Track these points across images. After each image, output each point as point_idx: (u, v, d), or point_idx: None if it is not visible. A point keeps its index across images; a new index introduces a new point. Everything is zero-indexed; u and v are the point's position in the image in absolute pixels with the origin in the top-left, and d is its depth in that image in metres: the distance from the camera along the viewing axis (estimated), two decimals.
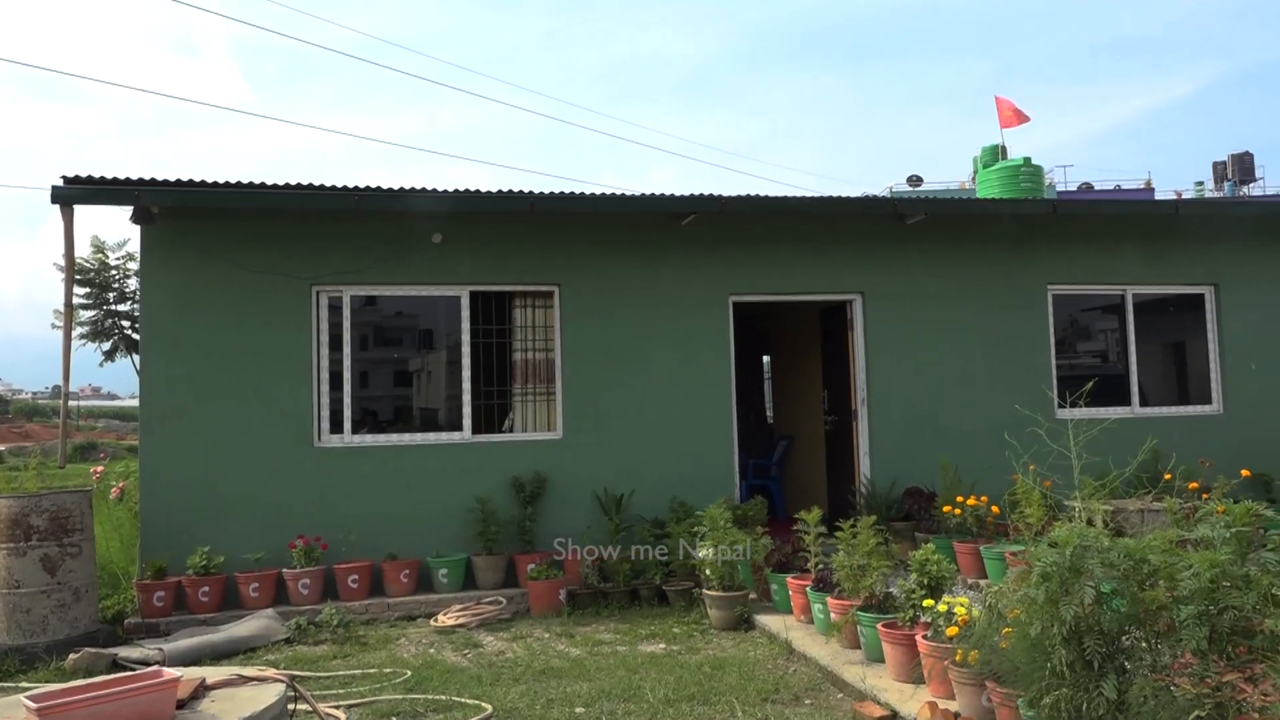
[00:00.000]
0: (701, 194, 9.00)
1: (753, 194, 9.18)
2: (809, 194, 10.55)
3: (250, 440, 8.29)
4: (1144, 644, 3.33)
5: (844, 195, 10.41)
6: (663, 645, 6.75)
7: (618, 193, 9.54)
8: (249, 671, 4.00)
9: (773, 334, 13.71)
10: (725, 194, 8.95)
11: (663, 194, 9.07)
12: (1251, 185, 40.31)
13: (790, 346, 12.68)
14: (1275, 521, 3.33)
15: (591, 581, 8.13)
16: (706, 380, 9.19)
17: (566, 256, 9.04)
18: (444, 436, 8.80)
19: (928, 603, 5.20)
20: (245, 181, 8.45)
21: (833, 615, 6.15)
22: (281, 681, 3.85)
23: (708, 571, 7.31)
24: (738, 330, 9.57)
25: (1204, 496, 7.37)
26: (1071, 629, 3.24)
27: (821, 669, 5.80)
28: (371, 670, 6.23)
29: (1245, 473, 8.36)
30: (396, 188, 8.59)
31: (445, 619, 7.59)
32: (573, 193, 8.99)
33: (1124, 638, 3.32)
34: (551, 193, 8.89)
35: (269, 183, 8.45)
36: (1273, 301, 10.48)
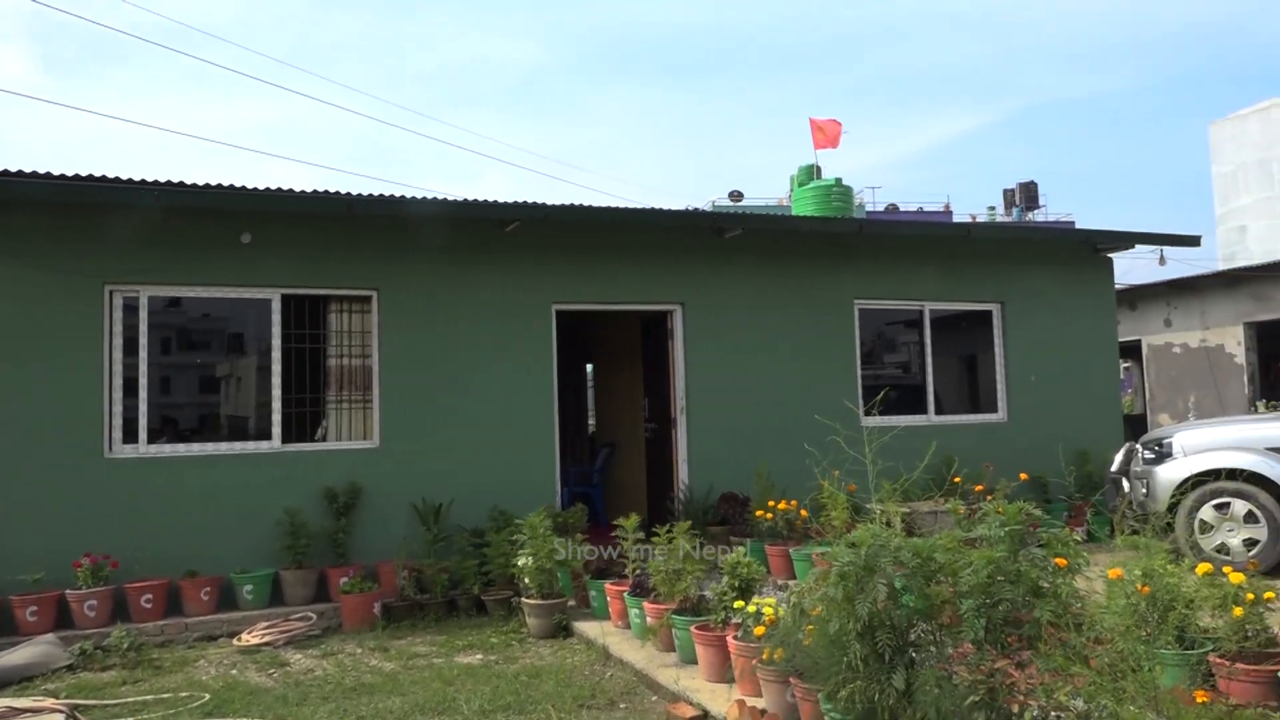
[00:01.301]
0: (525, 201, 8.99)
1: (577, 203, 9.26)
2: (633, 205, 10.73)
3: (32, 450, 7.64)
4: (931, 636, 3.56)
5: (665, 208, 10.65)
6: (480, 656, 6.67)
7: (442, 197, 9.39)
8: (22, 702, 3.68)
9: (596, 342, 13.84)
10: (550, 202, 8.98)
11: (485, 200, 9.00)
12: (1036, 212, 43.90)
13: (613, 355, 12.83)
14: (1045, 520, 3.63)
15: (408, 593, 7.95)
16: (529, 388, 9.17)
17: (386, 261, 8.81)
18: (251, 446, 8.38)
19: (738, 604, 5.37)
20: (29, 170, 7.80)
21: (649, 619, 6.25)
22: (60, 712, 3.57)
23: (527, 580, 7.29)
24: (561, 338, 9.60)
25: (988, 498, 7.96)
26: (866, 625, 3.43)
27: (637, 673, 5.88)
28: (166, 695, 5.85)
29: (1023, 476, 9.08)
30: (201, 184, 8.14)
31: (249, 638, 7.23)
32: (393, 195, 8.79)
33: (913, 631, 3.55)
34: (371, 194, 8.65)
35: (56, 173, 7.83)
36: (1050, 319, 11.44)
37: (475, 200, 9.04)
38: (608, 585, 7.16)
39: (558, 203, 9.06)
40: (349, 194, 8.45)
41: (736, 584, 5.62)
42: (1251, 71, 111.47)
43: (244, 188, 8.20)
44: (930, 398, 10.96)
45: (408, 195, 9.05)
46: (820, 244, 10.53)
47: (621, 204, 11.32)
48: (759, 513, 8.77)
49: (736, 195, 39.54)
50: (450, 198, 9.74)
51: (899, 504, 7.14)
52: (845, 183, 20.47)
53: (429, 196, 9.10)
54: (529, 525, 7.44)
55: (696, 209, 28.08)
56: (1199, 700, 2.88)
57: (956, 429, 10.84)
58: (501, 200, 9.01)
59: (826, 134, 18.77)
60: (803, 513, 8.36)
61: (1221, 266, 25.14)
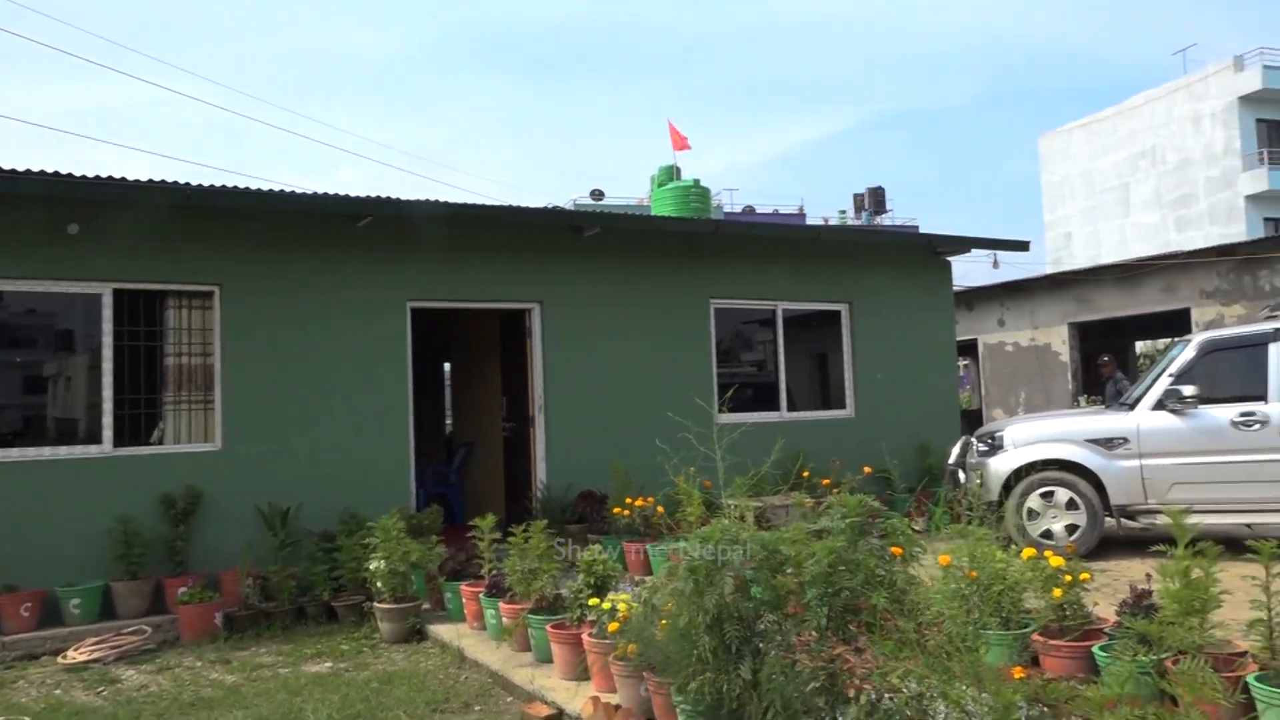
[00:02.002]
0: (379, 196, 8.76)
1: (433, 199, 9.09)
2: (492, 202, 10.61)
3: None
4: (777, 626, 3.67)
5: (524, 206, 10.57)
6: (329, 664, 6.47)
7: (291, 190, 9.05)
8: None
9: (454, 341, 13.63)
10: (405, 198, 8.78)
11: (337, 194, 8.74)
12: (883, 216, 45.78)
13: (471, 354, 12.67)
14: (883, 512, 3.80)
15: (253, 602, 7.63)
16: (383, 387, 8.95)
17: (230, 255, 8.43)
18: (80, 450, 7.87)
19: (593, 601, 5.39)
20: None
21: (504, 619, 6.20)
22: None
23: (379, 583, 7.12)
24: (418, 337, 9.41)
25: (834, 491, 8.25)
26: (714, 617, 3.51)
27: (493, 674, 5.83)
28: None
29: (868, 470, 9.45)
30: (22, 170, 7.58)
31: (76, 654, 6.79)
32: (237, 187, 8.42)
33: (760, 622, 3.64)
34: (212, 185, 8.26)
35: None
36: (895, 319, 11.96)
37: (326, 194, 8.75)
38: (463, 586, 7.07)
39: (413, 198, 8.87)
40: (188, 184, 8.04)
41: (592, 581, 5.64)
42: (1078, 87, 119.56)
43: (69, 175, 7.69)
44: (783, 395, 11.28)
45: (255, 187, 8.67)
46: (678, 244, 10.68)
47: (480, 201, 11.17)
48: (616, 510, 8.83)
49: (598, 194, 39.67)
50: (300, 190, 9.40)
51: (753, 499, 7.35)
52: (704, 184, 20.86)
53: (278, 189, 8.74)
54: (381, 527, 7.27)
55: (557, 207, 28.01)
56: (1016, 676, 3.07)
57: (808, 425, 11.19)
58: (354, 194, 8.75)
59: (684, 137, 19.06)
60: (659, 509, 8.45)
61: (1049, 270, 26.87)
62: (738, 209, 41.46)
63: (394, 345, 9.04)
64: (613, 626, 4.86)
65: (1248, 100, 31.29)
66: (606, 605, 5.19)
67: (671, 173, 24.88)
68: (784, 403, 11.29)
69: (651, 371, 10.28)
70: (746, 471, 7.10)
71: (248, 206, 8.44)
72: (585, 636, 5.20)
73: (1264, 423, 7.59)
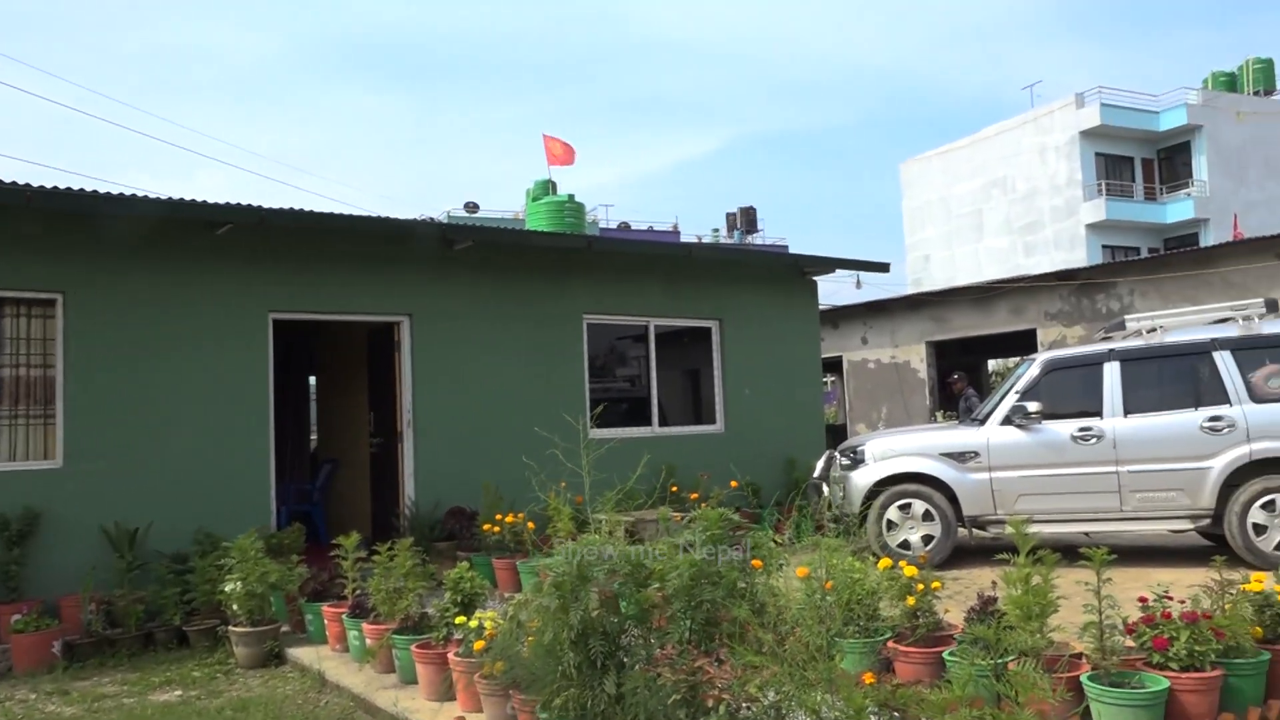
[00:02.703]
0: (239, 203, 8.46)
1: (297, 208, 8.82)
2: (361, 213, 10.37)
3: None
4: (642, 640, 3.69)
5: (393, 217, 10.37)
6: (179, 691, 6.16)
7: (145, 194, 8.63)
8: None
9: (319, 354, 13.23)
10: (267, 205, 8.50)
11: (194, 200, 8.37)
12: (755, 235, 46.93)
13: (338, 367, 12.33)
14: (745, 525, 3.88)
15: (96, 628, 7.20)
16: (241, 401, 8.60)
17: (75, 262, 7.97)
18: None
19: (460, 620, 5.31)
20: None
21: (368, 640, 6.04)
22: None
23: (235, 606, 6.83)
24: (281, 349, 9.10)
25: (702, 505, 8.38)
26: (579, 632, 3.51)
27: (355, 697, 5.67)
28: None
29: (734, 484, 9.64)
30: None
31: None
32: (83, 190, 7.98)
33: (624, 636, 3.66)
34: (56, 188, 7.81)
35: None
36: (763, 336, 12.25)
37: (181, 199, 8.38)
38: (325, 608, 6.85)
39: (276, 206, 8.59)
40: (28, 185, 7.57)
41: (459, 599, 5.56)
42: (938, 116, 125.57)
43: None
44: (654, 411, 11.40)
45: (106, 190, 8.23)
46: (551, 259, 10.68)
47: (349, 210, 10.90)
48: (486, 527, 8.73)
49: (472, 206, 39.29)
50: (154, 195, 8.98)
51: (624, 514, 7.39)
52: (579, 199, 20.95)
53: (131, 193, 8.33)
54: (238, 548, 6.98)
55: (429, 218, 27.59)
56: (867, 682, 3.19)
57: (680, 440, 11.34)
58: (212, 201, 8.42)
59: (560, 152, 19.11)
60: (529, 525, 8.40)
61: (910, 291, 28.06)
62: (613, 225, 41.76)
63: (254, 357, 8.72)
64: (478, 645, 4.80)
65: (1088, 135, 33.49)
66: (473, 623, 5.12)
67: (547, 187, 24.89)
68: (656, 418, 11.41)
69: (524, 386, 10.23)
70: (617, 487, 7.17)
71: (95, 211, 8.01)
72: (451, 656, 5.11)
73: (1100, 437, 8.10)
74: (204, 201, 8.35)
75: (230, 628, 6.87)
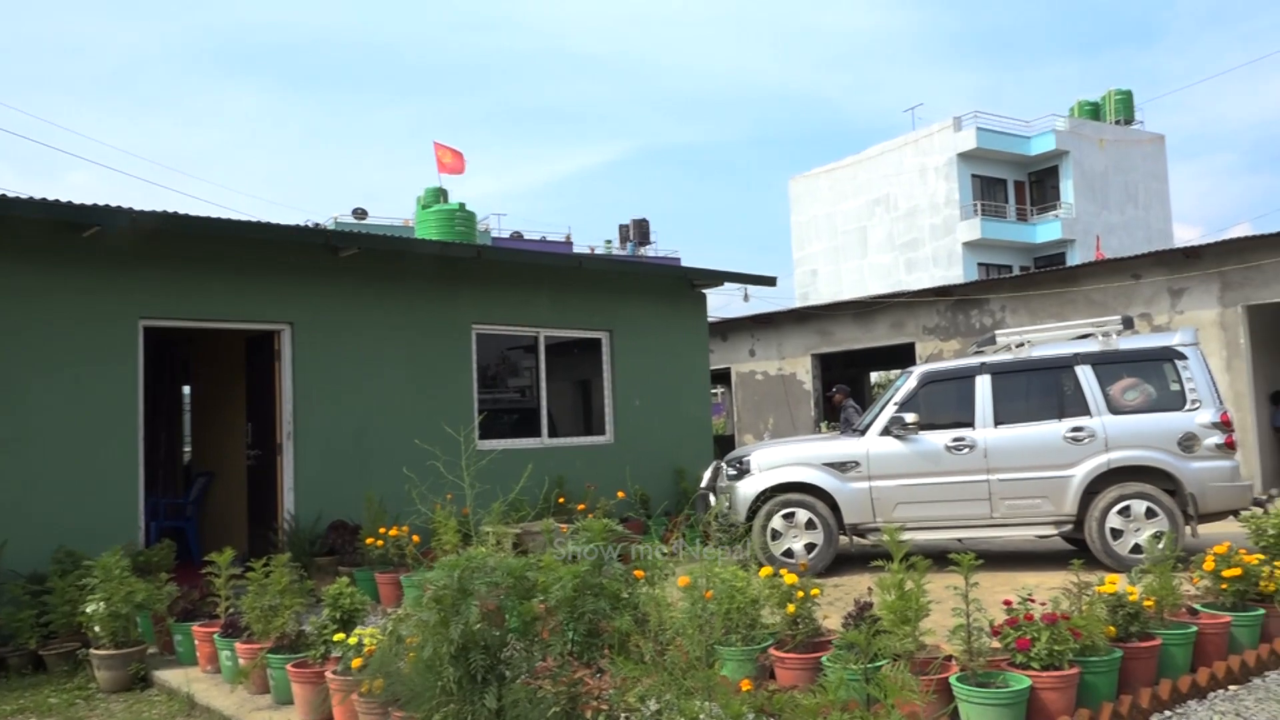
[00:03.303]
0: (107, 205, 8.07)
1: (170, 211, 8.47)
2: (242, 217, 10.02)
3: None
4: (524, 653, 3.67)
5: (274, 222, 10.05)
6: (34, 719, 5.81)
7: (5, 194, 8.13)
8: None
9: (194, 363, 12.71)
10: (138, 208, 8.14)
11: (56, 200, 7.96)
12: (648, 247, 47.28)
13: (214, 377, 11.87)
14: (627, 535, 3.90)
15: None
16: (107, 411, 8.20)
17: None
18: None
19: (338, 636, 5.18)
20: None
21: (241, 661, 5.82)
22: None
23: (97, 628, 6.48)
24: (154, 357, 8.72)
25: (590, 516, 8.38)
26: (460, 646, 3.46)
27: (225, 719, 5.45)
28: None
29: (621, 494, 9.69)
30: None
31: None
32: None
33: (506, 650, 3.63)
34: None
35: None
36: (654, 347, 12.35)
37: (43, 199, 7.95)
38: (196, 627, 6.57)
39: (147, 209, 8.23)
40: None
41: (338, 616, 5.42)
42: (826, 134, 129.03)
43: None
44: (544, 421, 11.35)
45: None
46: (440, 268, 10.54)
47: (232, 215, 10.53)
48: (370, 540, 8.53)
49: (361, 213, 38.43)
50: (17, 195, 8.49)
51: (512, 525, 7.33)
52: (471, 208, 20.75)
53: None
54: (101, 566, 6.63)
55: (316, 224, 26.92)
56: (744, 689, 3.25)
57: (570, 451, 11.31)
58: (78, 202, 8.01)
59: (450, 159, 18.90)
60: (414, 538, 8.24)
61: (798, 305, 28.71)
62: (505, 234, 41.47)
63: (122, 365, 8.32)
64: (356, 662, 4.68)
65: (965, 157, 34.95)
66: (352, 640, 5.00)
67: (438, 195, 24.57)
68: (545, 429, 11.37)
69: (410, 397, 10.05)
70: (506, 498, 7.11)
71: None
72: (328, 674, 4.97)
73: (972, 447, 8.44)
74: (66, 202, 7.95)
75: (91, 651, 6.51)
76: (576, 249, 41.31)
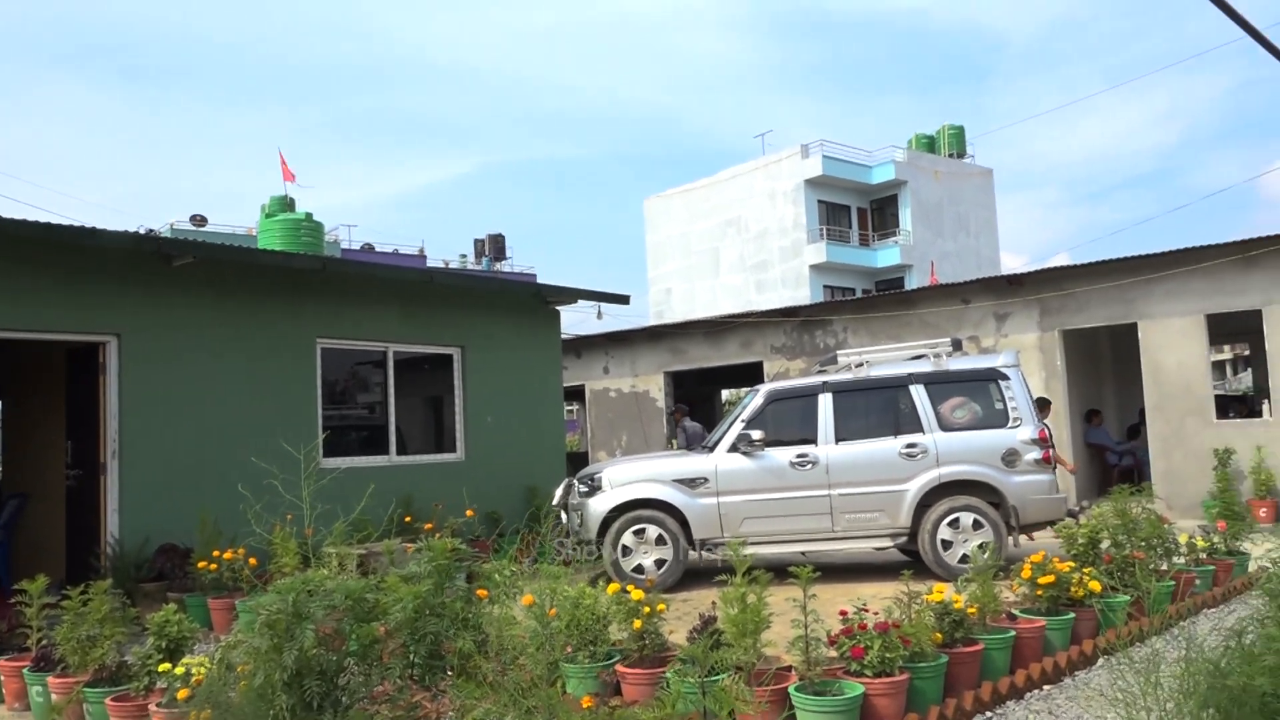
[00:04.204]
0: None
1: None
2: (65, 221, 9.39)
3: None
4: (363, 677, 3.56)
5: (99, 227, 9.44)
6: None
7: None
8: None
9: (7, 376, 11.80)
10: None
11: None
12: (503, 263, 46.95)
13: (29, 391, 11.05)
14: (471, 554, 3.85)
15: None
16: None
17: None
18: None
19: (164, 667, 4.89)
20: None
21: (55, 696, 5.42)
22: None
23: None
24: None
25: (437, 536, 8.23)
26: (294, 673, 3.33)
27: None
28: None
29: (470, 512, 9.55)
30: None
31: None
32: None
33: (343, 675, 3.52)
34: None
35: None
36: (507, 364, 12.26)
37: None
38: (1, 662, 6.08)
39: None
40: None
41: (164, 645, 5.12)
42: (681, 155, 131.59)
43: None
44: (392, 438, 11.09)
45: None
46: (283, 279, 10.16)
47: (54, 219, 9.84)
48: (202, 564, 8.10)
49: (200, 220, 36.64)
50: None
51: (356, 546, 7.11)
52: (319, 219, 20.11)
53: None
54: None
55: (150, 231, 25.56)
56: (585, 705, 3.25)
57: (419, 468, 11.08)
58: None
59: (295, 169, 18.34)
60: (252, 561, 7.89)
61: (653, 323, 29.09)
62: (356, 246, 40.40)
63: None
64: (183, 693, 4.44)
65: (812, 183, 36.33)
66: (179, 670, 4.73)
67: (285, 204, 23.70)
68: (394, 446, 11.10)
69: (250, 414, 9.63)
70: (353, 517, 6.90)
71: None
72: (151, 706, 4.69)
73: (814, 463, 8.73)
74: None
75: None
76: (430, 263, 40.65)
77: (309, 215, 17.86)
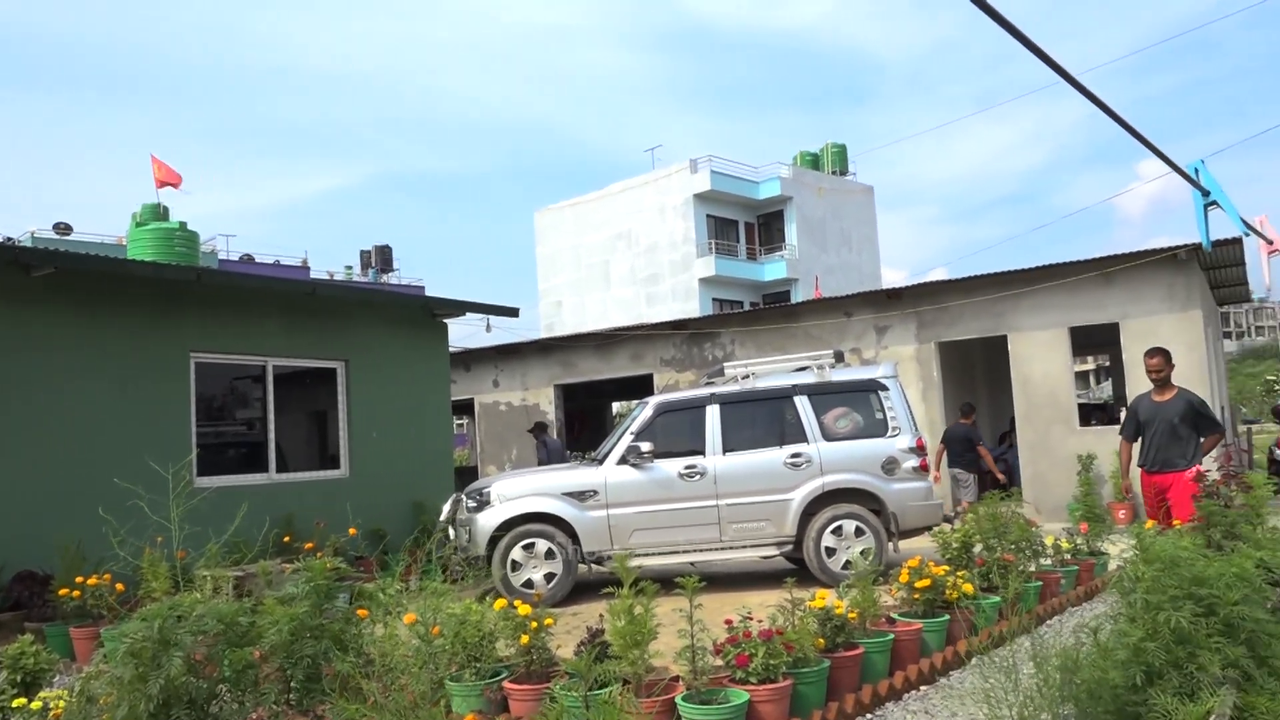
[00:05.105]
0: None
1: None
2: None
3: None
4: (236, 704, 3.43)
5: None
6: None
7: None
8: None
9: None
10: None
11: None
12: (390, 275, 46.08)
13: None
14: (352, 573, 3.76)
15: None
16: None
17: None
18: None
19: (18, 702, 4.60)
20: None
21: None
22: None
23: None
24: None
25: (319, 555, 7.99)
26: (160, 703, 3.19)
27: None
28: None
29: (353, 530, 9.33)
30: None
31: None
32: None
33: (215, 702, 3.38)
34: None
35: None
36: (393, 378, 12.02)
37: None
38: None
39: None
40: None
41: (19, 678, 4.83)
42: (571, 168, 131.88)
43: None
44: (272, 455, 10.73)
45: None
46: (155, 291, 9.73)
47: None
48: (64, 591, 7.67)
49: (64, 228, 34.83)
50: None
51: (232, 568, 6.84)
52: (195, 227, 19.30)
53: None
54: None
55: (7, 240, 24.20)
56: None
57: (300, 486, 10.76)
58: None
59: (169, 174, 17.59)
60: (119, 586, 7.51)
61: (542, 336, 28.99)
62: (235, 257, 39.05)
63: None
64: None
65: (700, 198, 36.88)
66: (36, 705, 4.46)
67: (157, 212, 22.68)
68: (274, 463, 10.74)
69: (118, 432, 9.18)
70: (233, 537, 6.63)
71: None
72: None
73: (703, 474, 8.84)
74: None
75: None
76: (314, 274, 39.59)
77: (183, 224, 17.16)
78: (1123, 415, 8.70)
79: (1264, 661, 3.04)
